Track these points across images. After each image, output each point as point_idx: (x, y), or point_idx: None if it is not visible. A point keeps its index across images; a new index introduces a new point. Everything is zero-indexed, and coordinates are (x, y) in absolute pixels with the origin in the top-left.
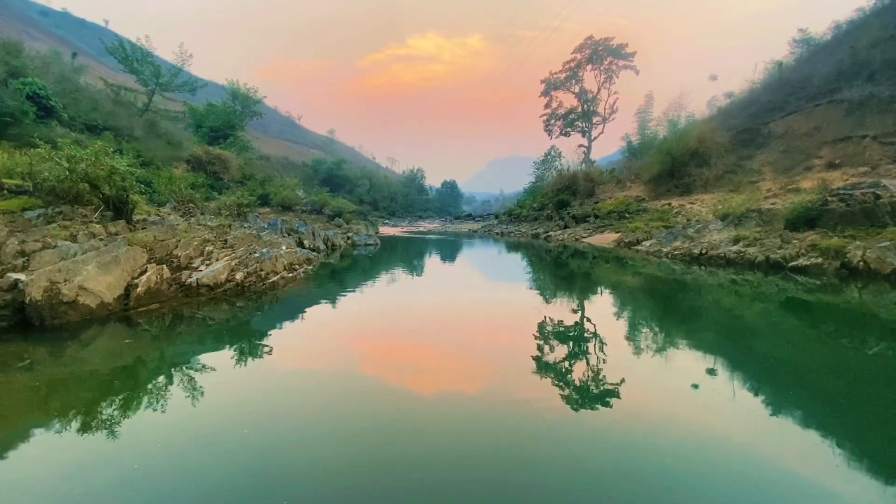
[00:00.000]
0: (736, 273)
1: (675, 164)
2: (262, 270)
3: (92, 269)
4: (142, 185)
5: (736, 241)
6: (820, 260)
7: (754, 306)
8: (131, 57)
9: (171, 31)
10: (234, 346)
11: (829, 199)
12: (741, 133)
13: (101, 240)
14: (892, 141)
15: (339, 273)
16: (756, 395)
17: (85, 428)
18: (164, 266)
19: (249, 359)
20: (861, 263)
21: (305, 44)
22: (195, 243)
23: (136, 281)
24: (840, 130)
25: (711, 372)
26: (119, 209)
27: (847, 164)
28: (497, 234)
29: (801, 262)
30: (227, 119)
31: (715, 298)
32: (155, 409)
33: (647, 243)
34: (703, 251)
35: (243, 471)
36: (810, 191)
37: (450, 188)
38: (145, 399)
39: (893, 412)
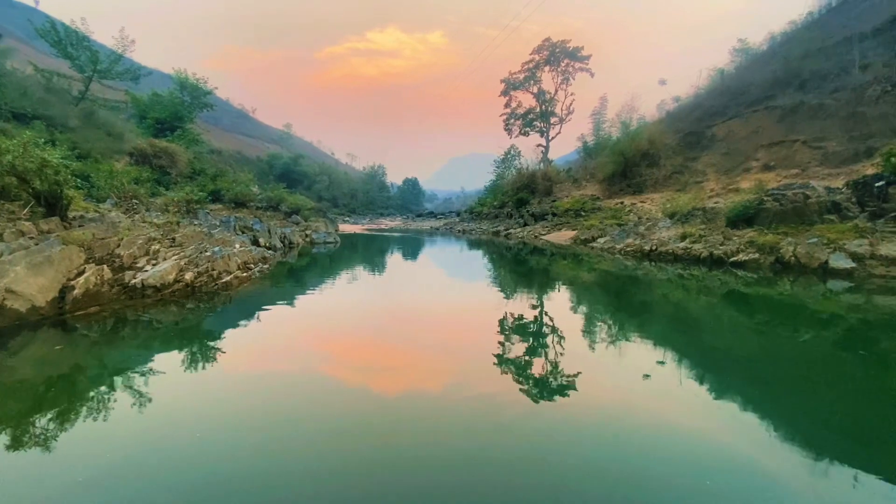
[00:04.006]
0: (683, 268)
1: (628, 164)
2: (213, 270)
3: (21, 271)
4: (78, 180)
5: (683, 238)
6: (757, 255)
7: (700, 300)
8: (65, 41)
9: (110, 14)
10: (185, 350)
11: (765, 198)
12: (687, 136)
13: (32, 238)
14: (819, 145)
15: (296, 272)
16: (701, 382)
17: (16, 443)
18: (105, 266)
19: (201, 362)
20: (793, 258)
21: (258, 32)
22: (140, 242)
23: (72, 283)
24: (774, 135)
25: (661, 363)
26: (52, 205)
27: (780, 166)
28: (458, 231)
29: (741, 257)
30: (174, 110)
31: (664, 293)
32: (97, 419)
33: (601, 240)
34: (654, 248)
35: (197, 477)
36: (748, 191)
37: (411, 185)
38: (85, 409)
39: (820, 394)
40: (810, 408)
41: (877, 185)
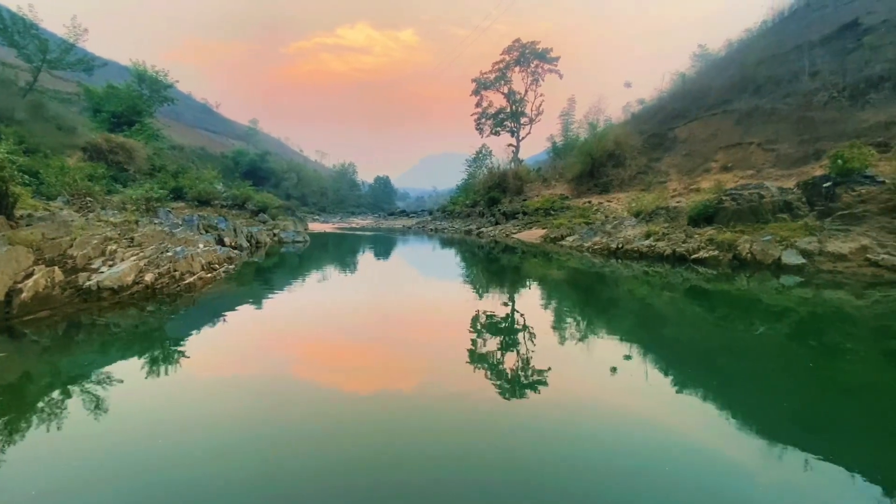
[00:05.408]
0: (648, 265)
1: (595, 164)
2: (175, 271)
3: None
4: (26, 176)
5: (647, 236)
6: (716, 252)
7: (663, 295)
8: (11, 28)
9: (60, 1)
10: (145, 355)
11: (723, 198)
12: (651, 137)
13: None
14: (772, 147)
15: (263, 272)
16: (665, 375)
17: None
18: (56, 268)
19: (162, 367)
20: (749, 255)
21: (223, 25)
22: (94, 242)
23: (19, 285)
24: (731, 137)
25: (628, 357)
26: None
27: (737, 168)
28: (431, 230)
29: (702, 254)
30: (131, 104)
31: (630, 289)
32: (49, 429)
33: (570, 238)
34: (620, 246)
35: (157, 487)
36: (708, 191)
37: (383, 184)
38: (35, 419)
39: (773, 383)
40: (764, 396)
41: (824, 185)
